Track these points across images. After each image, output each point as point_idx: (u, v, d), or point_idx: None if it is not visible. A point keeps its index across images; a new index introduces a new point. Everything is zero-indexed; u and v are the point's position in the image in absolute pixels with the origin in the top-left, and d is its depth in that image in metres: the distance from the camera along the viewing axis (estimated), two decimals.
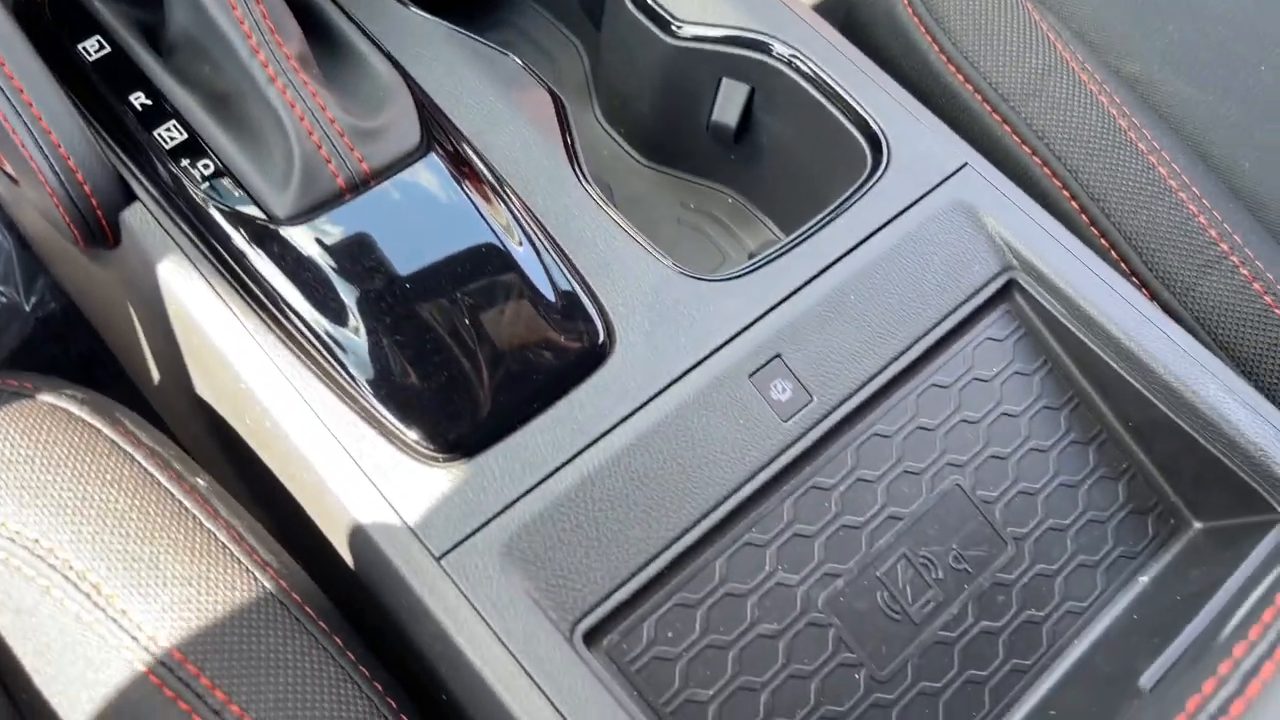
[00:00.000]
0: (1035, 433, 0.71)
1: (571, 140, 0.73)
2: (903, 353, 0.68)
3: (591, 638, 0.59)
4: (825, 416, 0.66)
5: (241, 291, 0.63)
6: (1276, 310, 0.75)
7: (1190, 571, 0.69)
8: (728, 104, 0.82)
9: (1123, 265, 0.78)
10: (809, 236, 0.70)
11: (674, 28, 0.81)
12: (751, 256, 0.77)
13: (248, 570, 0.58)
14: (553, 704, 0.55)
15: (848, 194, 0.72)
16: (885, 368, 0.68)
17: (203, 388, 0.71)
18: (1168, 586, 0.69)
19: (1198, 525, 0.72)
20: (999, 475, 0.69)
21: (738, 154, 0.86)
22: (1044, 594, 0.67)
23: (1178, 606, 0.66)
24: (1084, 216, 0.78)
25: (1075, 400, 0.72)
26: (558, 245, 0.67)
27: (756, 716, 0.60)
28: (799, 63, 0.78)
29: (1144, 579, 0.70)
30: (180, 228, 0.65)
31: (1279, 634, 0.32)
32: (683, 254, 0.87)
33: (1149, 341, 0.70)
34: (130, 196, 0.66)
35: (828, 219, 0.71)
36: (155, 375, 0.82)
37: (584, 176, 0.71)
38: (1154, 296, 0.78)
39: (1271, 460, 0.67)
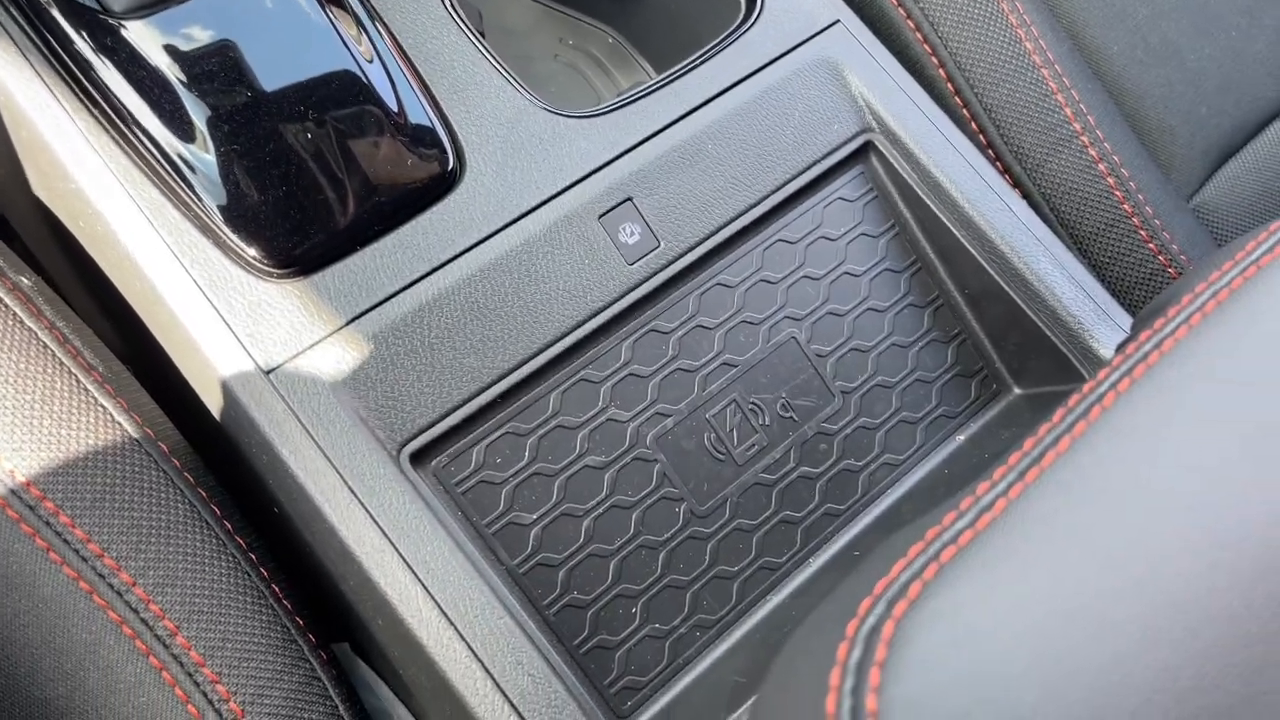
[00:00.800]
0: (875, 293, 0.73)
1: None
2: (753, 205, 0.69)
3: (419, 459, 0.60)
4: (671, 263, 0.67)
5: (73, 86, 0.61)
6: (1116, 193, 0.77)
7: (1003, 433, 0.73)
8: None
9: (980, 137, 0.80)
10: (671, 81, 0.70)
11: None
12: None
13: (70, 372, 0.57)
14: (373, 518, 0.57)
15: (716, 41, 0.72)
16: (735, 219, 0.69)
17: (38, 187, 0.69)
18: (981, 445, 0.73)
19: (1017, 391, 0.76)
20: (834, 331, 0.71)
21: None
22: (864, 445, 0.71)
23: (985, 463, 0.71)
24: (949, 85, 0.79)
25: (917, 265, 0.75)
26: (413, 66, 0.66)
27: (577, 541, 0.63)
28: None
29: (961, 438, 0.74)
30: (9, 11, 0.61)
31: (1018, 474, 0.35)
32: (557, 91, 0.86)
33: (991, 212, 0.72)
34: None
35: (692, 64, 0.71)
36: None
37: None
38: (1006, 170, 0.80)
39: (1089, 334, 0.71)
